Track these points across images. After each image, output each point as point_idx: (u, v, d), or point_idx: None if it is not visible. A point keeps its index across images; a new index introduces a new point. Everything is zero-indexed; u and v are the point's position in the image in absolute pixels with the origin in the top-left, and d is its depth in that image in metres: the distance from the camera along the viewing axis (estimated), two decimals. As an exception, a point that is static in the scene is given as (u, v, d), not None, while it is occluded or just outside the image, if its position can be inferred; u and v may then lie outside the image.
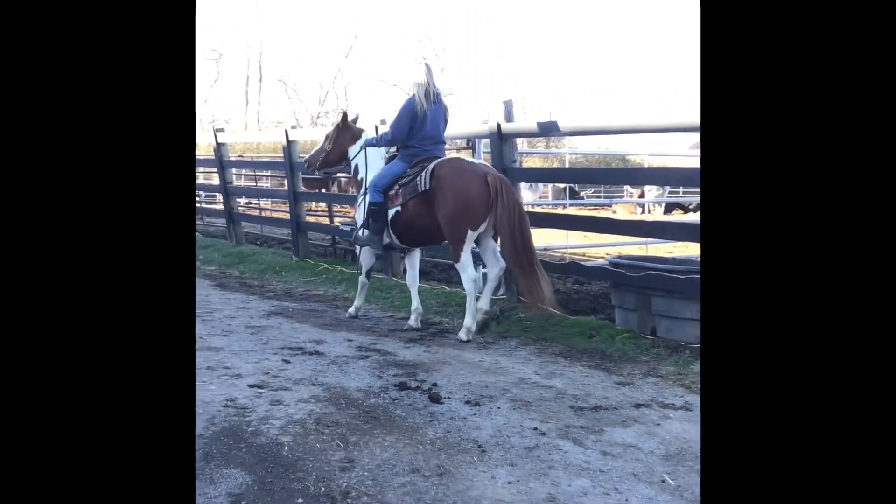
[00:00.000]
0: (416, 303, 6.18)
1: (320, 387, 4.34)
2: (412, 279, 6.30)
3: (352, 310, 6.52)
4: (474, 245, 5.78)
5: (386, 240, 6.09)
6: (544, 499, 3.05)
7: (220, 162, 10.88)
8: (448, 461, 3.38)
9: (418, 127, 5.83)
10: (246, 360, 4.86)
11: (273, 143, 16.49)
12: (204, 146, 11.93)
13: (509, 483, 3.18)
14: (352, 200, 11.79)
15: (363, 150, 6.31)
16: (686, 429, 3.83)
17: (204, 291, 7.64)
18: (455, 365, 4.92)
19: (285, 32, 52.93)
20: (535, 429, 3.78)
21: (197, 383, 4.33)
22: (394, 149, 6.14)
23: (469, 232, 5.55)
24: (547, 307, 5.55)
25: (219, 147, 10.93)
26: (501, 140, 6.49)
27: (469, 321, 5.69)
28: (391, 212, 5.93)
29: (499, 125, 6.50)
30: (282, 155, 9.93)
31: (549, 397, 4.28)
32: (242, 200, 13.81)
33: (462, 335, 5.67)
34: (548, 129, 6.34)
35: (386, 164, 6.12)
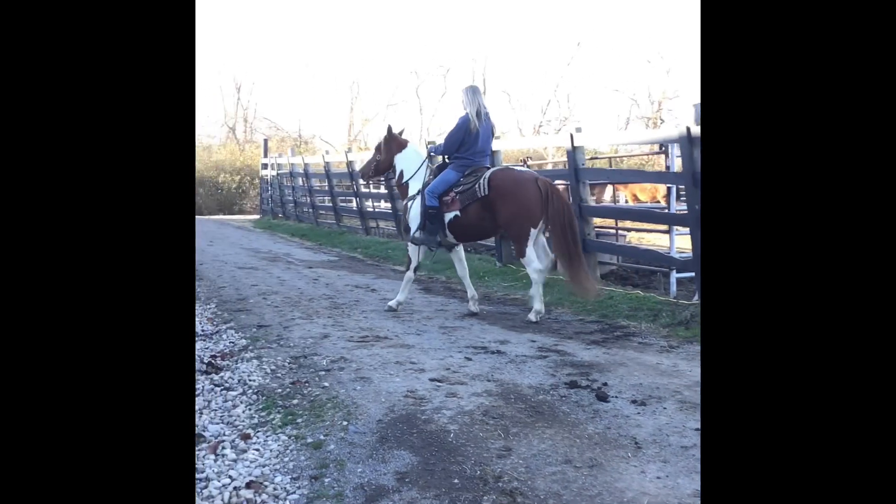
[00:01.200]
0: (471, 291, 7.08)
1: (494, 383, 4.60)
2: (463, 271, 7.25)
3: (392, 303, 7.15)
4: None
5: (439, 238, 6.99)
6: (689, 494, 3.11)
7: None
8: (601, 455, 3.51)
9: (471, 142, 6.77)
10: (432, 357, 5.23)
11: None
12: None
13: (658, 478, 3.26)
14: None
15: (414, 158, 7.37)
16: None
17: (409, 294, 8.16)
18: (631, 367, 4.99)
19: (508, 44, 54.02)
20: (698, 429, 3.80)
21: (384, 375, 4.76)
22: (439, 160, 7.13)
23: (532, 230, 6.53)
24: (591, 294, 6.59)
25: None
26: (691, 143, 6.43)
27: (539, 305, 6.59)
28: (449, 215, 6.83)
29: (688, 128, 6.45)
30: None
31: (720, 400, 4.25)
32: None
33: (532, 317, 6.58)
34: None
35: (435, 173, 7.03)
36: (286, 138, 40.14)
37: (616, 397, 4.32)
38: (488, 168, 6.81)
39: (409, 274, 7.21)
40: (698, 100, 6.75)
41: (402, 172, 7.37)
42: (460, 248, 7.28)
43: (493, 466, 3.38)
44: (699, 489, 3.14)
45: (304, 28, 55.35)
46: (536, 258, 6.56)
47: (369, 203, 15.18)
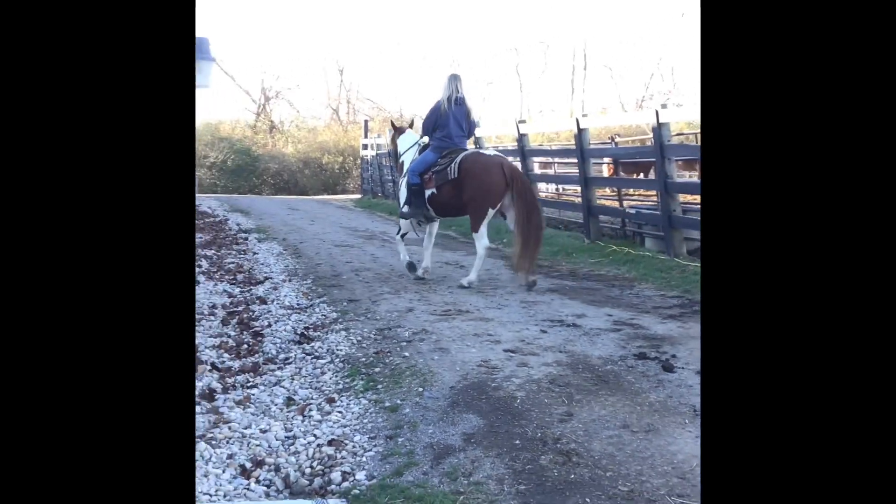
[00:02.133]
0: (427, 262, 7.83)
1: (565, 354, 4.81)
2: (428, 244, 7.96)
3: (420, 272, 7.80)
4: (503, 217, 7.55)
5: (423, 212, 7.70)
6: (739, 458, 3.25)
7: (522, 151, 11.68)
8: (659, 421, 3.69)
9: (443, 125, 7.48)
10: (509, 330, 5.47)
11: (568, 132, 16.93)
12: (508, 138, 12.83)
13: (710, 443, 3.41)
14: (641, 185, 11.95)
15: (407, 140, 8.19)
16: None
17: (496, 270, 8.41)
18: (702, 339, 5.09)
19: (610, 18, 53.01)
20: (757, 398, 3.91)
21: (461, 346, 5.03)
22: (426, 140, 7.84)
23: (490, 210, 7.27)
24: (521, 275, 7.21)
25: (521, 137, 11.73)
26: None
27: (474, 276, 7.30)
28: (428, 192, 7.50)
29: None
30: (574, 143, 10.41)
31: (786, 372, 4.33)
32: (545, 186, 14.57)
33: (464, 282, 7.29)
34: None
35: (419, 154, 7.79)
36: (388, 118, 40.81)
37: (682, 368, 4.45)
38: (464, 151, 7.50)
39: (399, 238, 8.09)
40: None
41: (400, 153, 8.28)
42: (435, 224, 8.06)
43: (553, 430, 3.61)
44: (749, 454, 3.29)
45: (401, 7, 55.85)
46: (487, 236, 7.39)
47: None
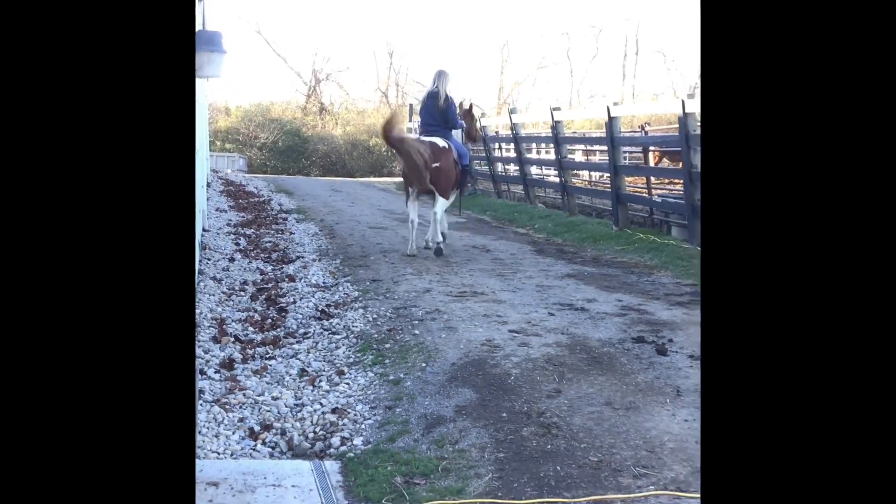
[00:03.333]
0: (431, 234, 8.61)
1: (567, 336, 5.03)
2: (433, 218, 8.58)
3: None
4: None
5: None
6: (708, 436, 3.45)
7: (556, 138, 11.82)
8: (641, 399, 3.90)
9: (423, 116, 8.75)
10: (518, 312, 5.70)
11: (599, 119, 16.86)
12: (540, 124, 12.96)
13: (685, 421, 3.62)
14: (668, 174, 11.98)
15: None
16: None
17: (520, 255, 8.63)
18: (703, 326, 5.26)
19: (663, 3, 52.41)
20: (740, 382, 4.09)
21: (469, 326, 5.28)
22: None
23: (410, 188, 8.43)
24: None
25: (555, 125, 11.87)
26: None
27: (413, 248, 8.36)
28: None
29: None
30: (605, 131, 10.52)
31: (776, 358, 4.49)
32: (583, 174, 14.68)
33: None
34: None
35: None
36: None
37: (676, 352, 4.64)
38: (427, 139, 8.40)
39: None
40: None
41: None
42: (436, 203, 8.52)
43: (539, 405, 3.85)
44: (718, 432, 3.48)
45: (455, -8, 55.85)
46: (413, 211, 8.39)
47: (500, 167, 15.64)
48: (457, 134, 8.90)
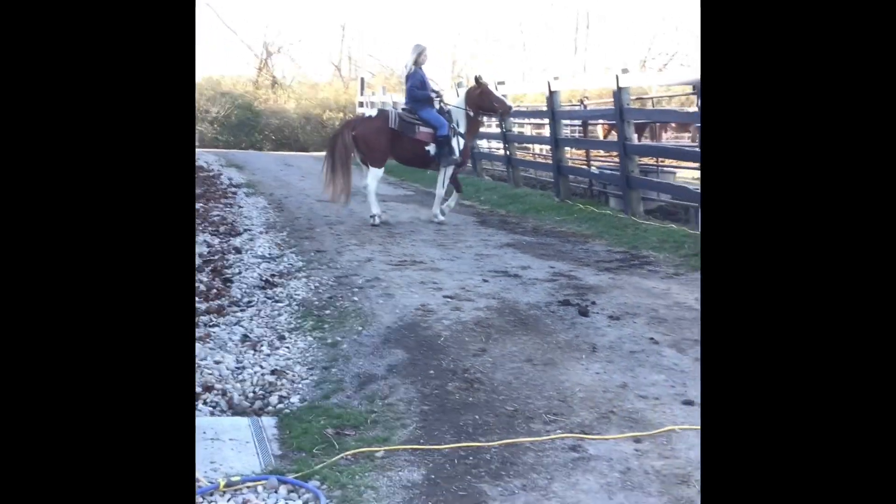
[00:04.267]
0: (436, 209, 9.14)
1: (497, 300, 5.31)
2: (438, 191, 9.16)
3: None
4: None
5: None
6: (617, 385, 3.78)
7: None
8: (559, 356, 4.20)
9: None
10: (455, 279, 5.97)
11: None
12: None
13: (597, 374, 3.94)
14: (604, 146, 12.34)
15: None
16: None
17: (463, 226, 8.89)
18: (626, 289, 5.59)
19: (615, -24, 52.64)
20: (652, 339, 4.42)
21: (405, 292, 5.54)
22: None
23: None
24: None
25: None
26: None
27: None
28: None
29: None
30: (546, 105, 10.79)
31: (689, 318, 4.84)
32: (533, 147, 14.97)
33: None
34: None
35: None
36: (391, 76, 40.93)
37: (597, 313, 4.95)
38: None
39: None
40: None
41: None
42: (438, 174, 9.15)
43: (464, 362, 4.13)
44: (626, 382, 3.80)
45: (409, -36, 55.44)
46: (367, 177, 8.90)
47: (450, 140, 15.84)
48: (459, 114, 9.02)
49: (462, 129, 9.05)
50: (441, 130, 8.88)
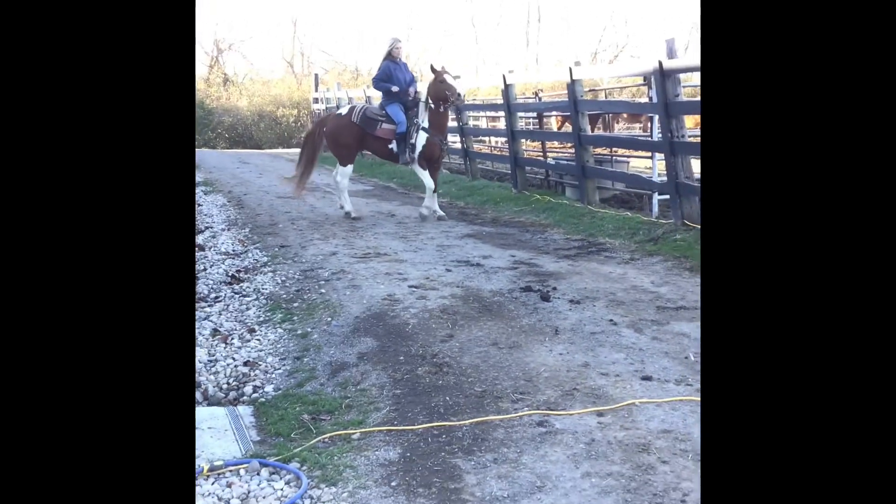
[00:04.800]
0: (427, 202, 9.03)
1: (461, 288, 5.47)
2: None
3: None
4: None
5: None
6: (579, 364, 3.96)
7: (457, 106, 12.23)
8: (524, 339, 4.37)
9: None
10: (419, 269, 6.12)
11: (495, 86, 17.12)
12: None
13: (560, 354, 4.11)
14: (559, 137, 12.59)
15: None
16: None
17: (427, 221, 9.03)
18: (585, 275, 5.79)
19: (564, -31, 53.15)
20: (611, 320, 4.62)
21: (371, 283, 5.67)
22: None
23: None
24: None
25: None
26: (663, 77, 7.05)
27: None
28: None
29: (660, 62, 7.05)
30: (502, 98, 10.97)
31: (645, 300, 5.05)
32: (489, 139, 15.16)
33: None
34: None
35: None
36: (344, 72, 40.84)
37: (558, 298, 5.14)
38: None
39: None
40: (673, 34, 7.31)
41: None
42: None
43: (433, 348, 4.28)
44: (587, 361, 3.99)
45: (358, -42, 55.30)
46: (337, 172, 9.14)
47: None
48: (421, 109, 8.80)
49: (425, 124, 8.76)
50: (399, 128, 8.81)
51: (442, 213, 8.95)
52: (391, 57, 8.97)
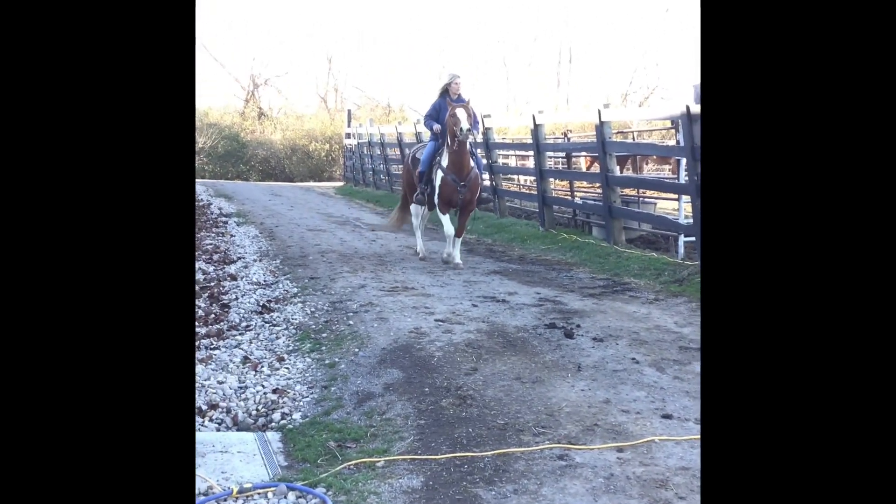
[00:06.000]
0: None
1: (487, 323, 5.57)
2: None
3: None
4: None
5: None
6: (601, 400, 4.03)
7: (487, 144, 12.42)
8: (547, 374, 4.45)
9: None
10: (445, 304, 6.23)
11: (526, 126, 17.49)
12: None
13: (582, 390, 4.18)
14: (587, 177, 12.69)
15: None
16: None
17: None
18: (609, 314, 5.87)
19: (596, 12, 53.72)
20: (633, 359, 4.68)
21: (399, 317, 5.79)
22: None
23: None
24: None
25: (486, 131, 12.46)
26: (691, 121, 7.16)
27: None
28: None
29: (687, 107, 7.17)
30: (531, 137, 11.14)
31: (668, 339, 5.11)
32: (518, 178, 15.34)
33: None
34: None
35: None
36: (376, 108, 41.41)
37: (582, 335, 5.22)
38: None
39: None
40: (699, 80, 7.43)
41: None
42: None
43: (457, 380, 4.37)
44: (609, 398, 4.06)
45: (393, -2, 56.33)
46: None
47: (437, 171, 16.19)
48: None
49: (444, 163, 8.05)
50: (420, 167, 8.41)
51: (459, 261, 8.21)
52: (447, 93, 8.25)
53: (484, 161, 12.71)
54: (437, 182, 8.10)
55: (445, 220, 8.31)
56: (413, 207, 8.65)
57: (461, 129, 7.65)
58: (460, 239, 8.48)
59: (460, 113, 7.71)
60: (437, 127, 8.15)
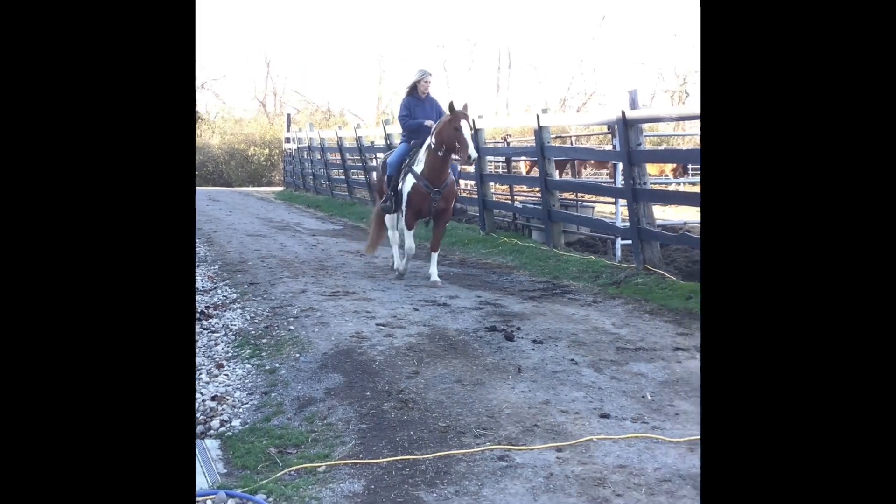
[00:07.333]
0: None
1: (428, 327, 5.59)
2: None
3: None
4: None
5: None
6: (541, 401, 4.08)
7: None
8: (487, 377, 4.49)
9: None
10: (386, 308, 6.23)
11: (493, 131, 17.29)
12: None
13: (522, 392, 4.23)
14: (526, 181, 12.84)
15: None
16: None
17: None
18: (549, 316, 5.94)
19: (534, 18, 54.37)
20: (572, 360, 4.76)
21: (340, 321, 5.77)
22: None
23: None
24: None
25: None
26: (626, 126, 7.30)
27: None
28: None
29: (623, 112, 7.31)
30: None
31: (606, 340, 5.20)
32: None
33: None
34: (663, 117, 7.06)
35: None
36: (315, 112, 41.12)
37: (522, 338, 5.28)
38: None
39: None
40: (634, 87, 7.60)
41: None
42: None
43: (399, 384, 4.38)
44: (548, 399, 4.11)
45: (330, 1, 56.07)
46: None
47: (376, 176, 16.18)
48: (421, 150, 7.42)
49: (418, 168, 7.28)
50: (388, 170, 7.77)
51: (437, 278, 7.36)
52: (415, 91, 7.65)
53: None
54: (408, 189, 7.27)
55: (409, 236, 7.42)
56: (387, 219, 7.77)
57: (469, 157, 7.01)
58: (436, 254, 7.63)
59: (465, 128, 6.92)
60: (429, 123, 7.40)
